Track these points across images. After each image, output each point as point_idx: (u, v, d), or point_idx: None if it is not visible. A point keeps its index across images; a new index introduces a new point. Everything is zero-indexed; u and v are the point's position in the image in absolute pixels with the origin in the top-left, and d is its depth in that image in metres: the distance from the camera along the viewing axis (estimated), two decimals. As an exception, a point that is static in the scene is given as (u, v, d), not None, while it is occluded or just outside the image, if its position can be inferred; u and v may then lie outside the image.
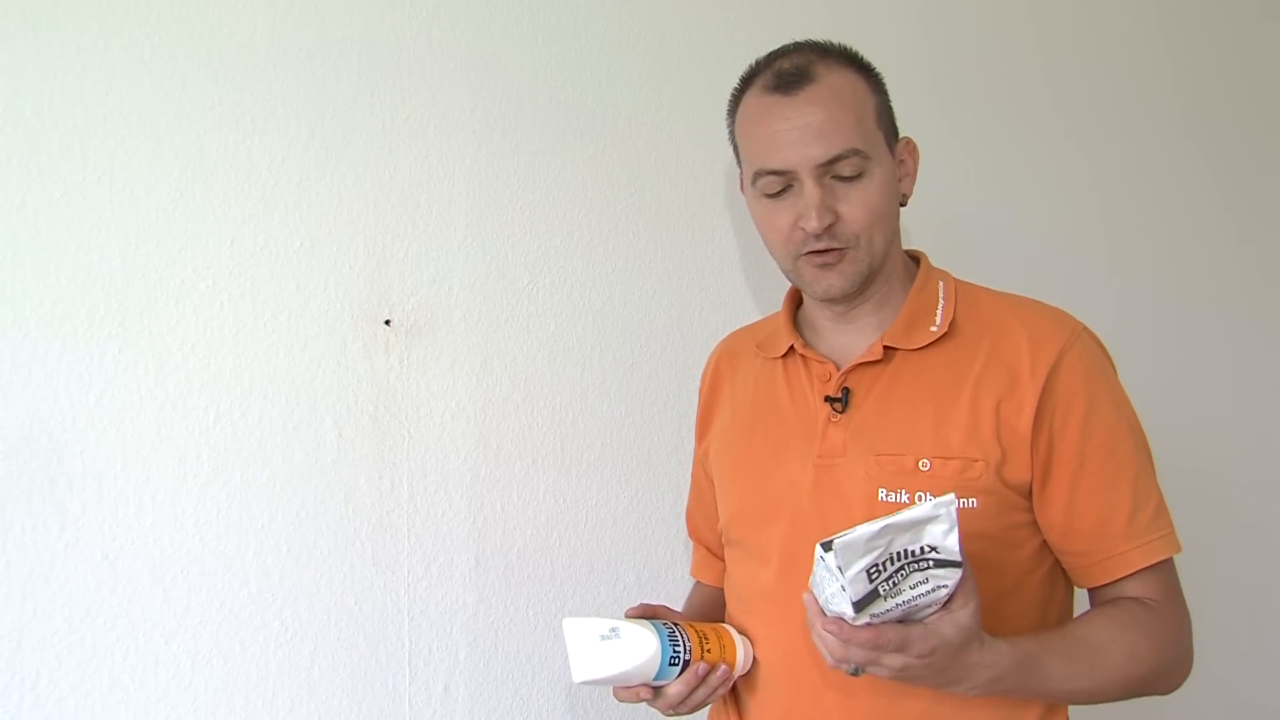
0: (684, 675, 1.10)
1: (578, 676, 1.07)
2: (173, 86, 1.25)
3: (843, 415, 1.12)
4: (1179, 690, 1.12)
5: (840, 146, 1.07)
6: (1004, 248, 1.88)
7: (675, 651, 1.09)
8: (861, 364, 1.12)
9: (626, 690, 1.11)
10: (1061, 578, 1.15)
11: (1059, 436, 1.08)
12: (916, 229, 1.67)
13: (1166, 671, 1.10)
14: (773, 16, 1.63)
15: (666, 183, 1.57)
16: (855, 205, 1.08)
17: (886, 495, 1.07)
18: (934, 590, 0.93)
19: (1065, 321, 1.13)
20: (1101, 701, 1.09)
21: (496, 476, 1.43)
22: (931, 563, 0.92)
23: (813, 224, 1.07)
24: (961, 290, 1.17)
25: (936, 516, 0.91)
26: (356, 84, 1.35)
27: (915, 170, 1.18)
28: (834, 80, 1.10)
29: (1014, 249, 1.90)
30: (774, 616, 1.13)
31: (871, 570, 0.90)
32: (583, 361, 1.50)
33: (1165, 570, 1.11)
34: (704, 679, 1.10)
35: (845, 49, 1.15)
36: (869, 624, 0.92)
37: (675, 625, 1.12)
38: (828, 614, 0.93)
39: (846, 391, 1.13)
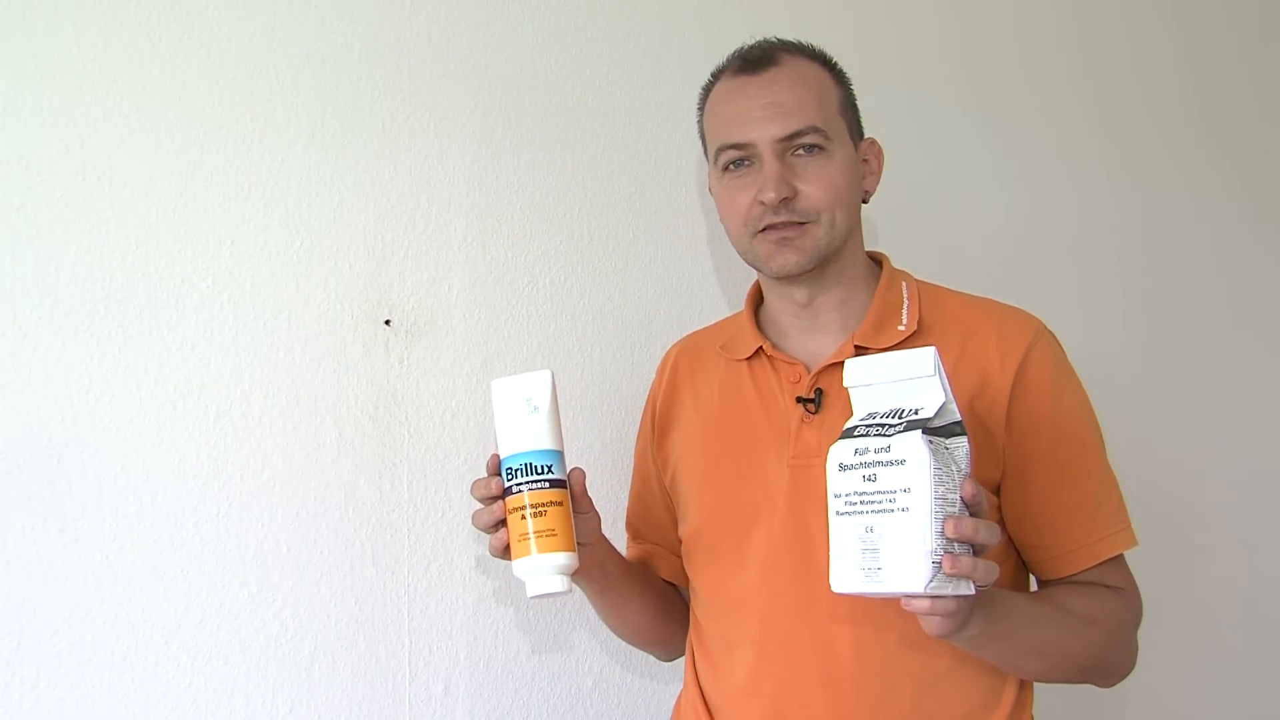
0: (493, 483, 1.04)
1: (494, 384, 1.06)
2: (173, 86, 1.24)
3: (816, 416, 1.12)
4: (1135, 689, 1.13)
5: (800, 123, 1.10)
6: (1018, 251, 1.89)
7: (520, 471, 1.02)
8: (834, 364, 1.12)
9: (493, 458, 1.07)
10: (1022, 575, 1.17)
11: (1028, 433, 1.10)
12: (928, 231, 1.67)
13: (1118, 648, 1.13)
14: (773, 16, 1.63)
15: (667, 183, 1.57)
16: (814, 182, 1.10)
17: None
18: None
19: (1028, 320, 1.15)
20: (1067, 661, 1.09)
21: (496, 476, 1.42)
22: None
23: (770, 195, 1.09)
24: (924, 290, 1.18)
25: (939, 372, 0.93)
26: (356, 84, 1.35)
27: (879, 171, 1.19)
28: (798, 65, 1.14)
29: (1030, 253, 1.90)
30: (753, 619, 1.12)
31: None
32: (583, 361, 1.50)
33: (1122, 562, 1.14)
34: (493, 499, 1.05)
35: (813, 46, 1.18)
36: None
37: (551, 478, 1.03)
38: (948, 512, 0.88)
39: (819, 392, 1.13)
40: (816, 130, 1.10)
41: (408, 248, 1.38)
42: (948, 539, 0.86)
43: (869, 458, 0.90)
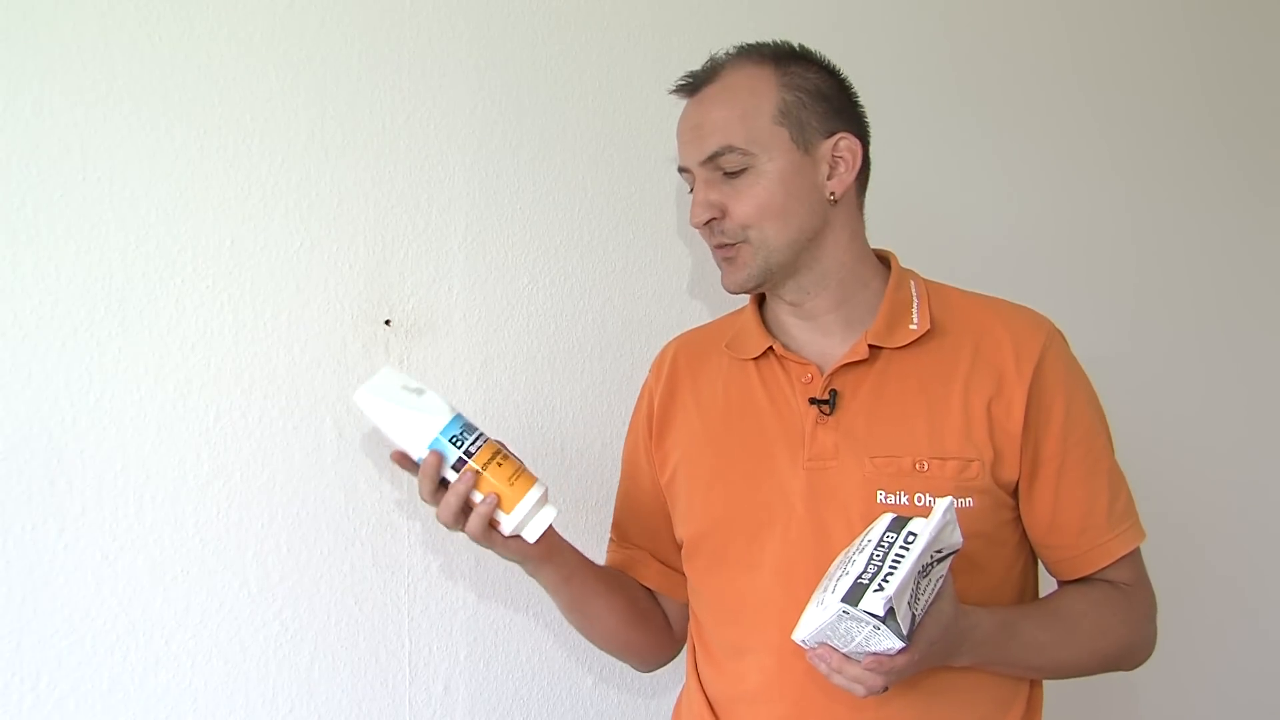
0: (429, 464, 1.05)
1: (357, 396, 1.07)
2: (173, 86, 1.24)
3: (831, 417, 1.11)
4: (1147, 686, 1.17)
5: (716, 144, 1.11)
6: (1028, 254, 1.89)
7: (460, 437, 1.05)
8: (847, 364, 1.12)
9: (396, 454, 1.08)
10: (1033, 571, 1.18)
11: (1044, 434, 1.10)
12: (936, 234, 1.67)
13: (1133, 648, 1.16)
14: (775, 17, 1.62)
15: (666, 183, 1.57)
16: (740, 201, 1.11)
17: (885, 497, 1.07)
18: (937, 582, 0.95)
19: (1040, 321, 1.15)
20: (1074, 674, 1.14)
21: (496, 476, 1.42)
22: (936, 561, 0.94)
23: (691, 218, 1.13)
24: (932, 289, 1.18)
25: (949, 521, 0.93)
26: (356, 84, 1.35)
27: (854, 167, 1.13)
28: (731, 79, 1.13)
29: (1039, 255, 1.90)
30: (770, 623, 1.10)
31: (911, 601, 0.92)
32: (583, 361, 1.50)
33: (1135, 555, 1.15)
34: (458, 481, 1.05)
35: (773, 45, 1.15)
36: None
37: (481, 432, 1.07)
38: (856, 657, 0.95)
39: (834, 393, 1.12)
40: (733, 149, 1.10)
41: (408, 248, 1.38)
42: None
43: (847, 554, 0.97)
